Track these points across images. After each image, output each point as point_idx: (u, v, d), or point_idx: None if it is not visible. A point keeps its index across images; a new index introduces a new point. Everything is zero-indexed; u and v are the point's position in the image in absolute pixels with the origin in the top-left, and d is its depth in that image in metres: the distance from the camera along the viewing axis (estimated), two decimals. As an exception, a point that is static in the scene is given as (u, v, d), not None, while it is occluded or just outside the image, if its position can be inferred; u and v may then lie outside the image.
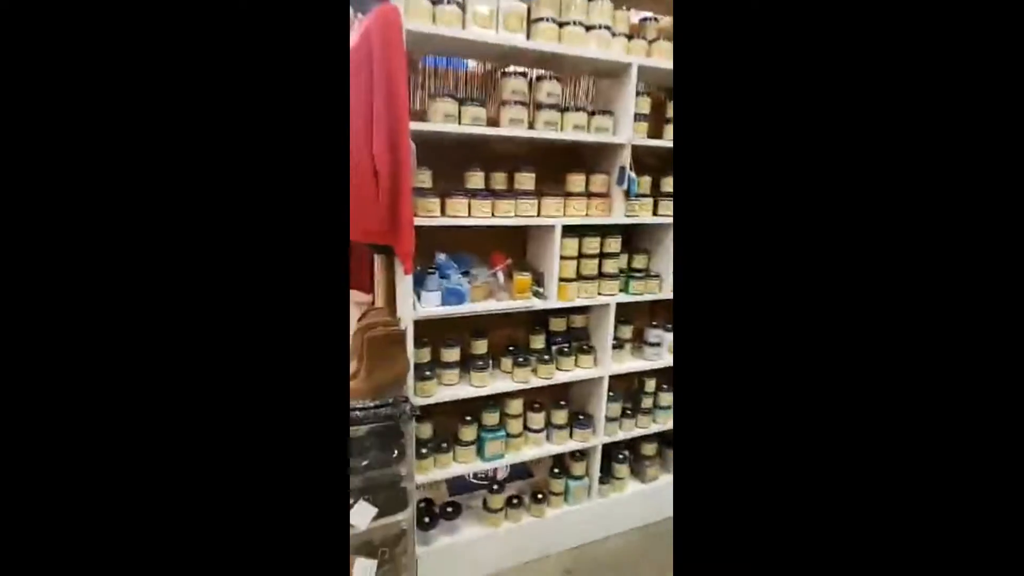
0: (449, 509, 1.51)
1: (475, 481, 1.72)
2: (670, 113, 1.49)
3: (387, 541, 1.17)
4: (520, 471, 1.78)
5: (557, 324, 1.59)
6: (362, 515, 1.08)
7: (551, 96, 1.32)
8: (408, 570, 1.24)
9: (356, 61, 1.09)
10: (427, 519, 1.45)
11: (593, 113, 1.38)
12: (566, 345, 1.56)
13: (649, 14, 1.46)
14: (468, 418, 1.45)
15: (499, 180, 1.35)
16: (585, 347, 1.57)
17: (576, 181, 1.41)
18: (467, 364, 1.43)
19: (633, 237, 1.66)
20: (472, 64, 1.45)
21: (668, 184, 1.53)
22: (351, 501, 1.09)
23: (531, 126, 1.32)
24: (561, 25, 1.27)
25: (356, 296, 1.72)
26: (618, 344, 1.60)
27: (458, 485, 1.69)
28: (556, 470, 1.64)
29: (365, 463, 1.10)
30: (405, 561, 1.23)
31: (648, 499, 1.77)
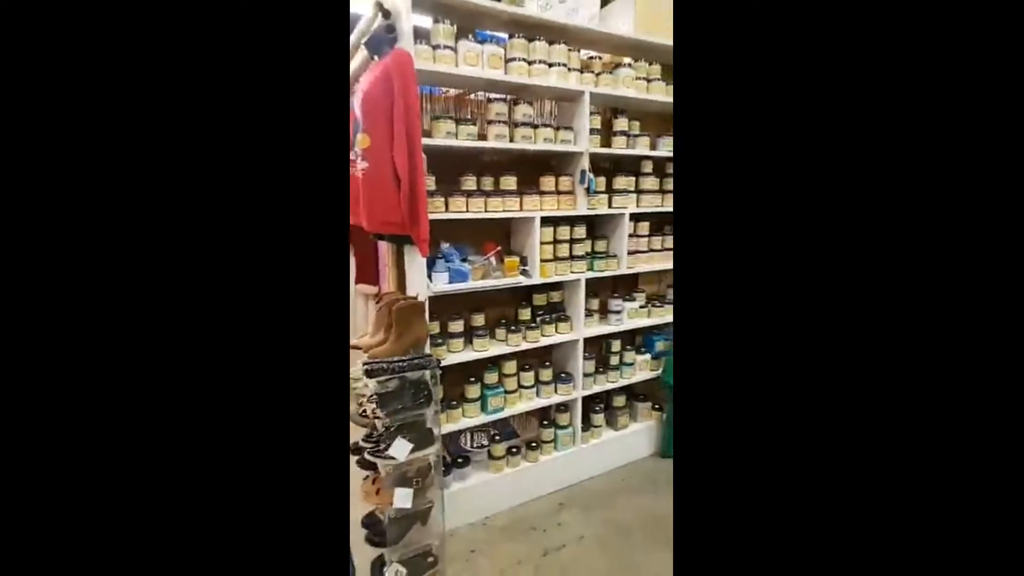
0: (460, 460, 1.79)
1: (470, 449, 1.99)
2: (616, 127, 1.91)
3: (419, 472, 1.43)
4: (508, 433, 2.07)
5: (539, 299, 1.93)
6: (400, 449, 1.36)
7: (526, 116, 1.69)
8: (436, 496, 1.51)
9: (378, 93, 1.40)
10: (442, 468, 1.72)
11: (559, 129, 1.77)
12: (548, 316, 1.91)
13: (595, 53, 1.89)
14: (472, 379, 1.75)
15: (488, 183, 1.69)
16: (563, 316, 1.92)
17: (548, 182, 1.78)
18: (469, 334, 1.74)
19: (595, 226, 2.05)
20: (461, 91, 1.80)
21: (618, 183, 1.94)
22: (390, 441, 1.36)
23: (511, 140, 1.68)
24: (530, 63, 1.65)
25: (364, 289, 1.99)
26: (588, 313, 1.97)
27: (456, 452, 1.96)
28: (545, 422, 1.96)
29: (400, 407, 1.38)
30: (432, 491, 1.50)
31: (620, 443, 2.12)
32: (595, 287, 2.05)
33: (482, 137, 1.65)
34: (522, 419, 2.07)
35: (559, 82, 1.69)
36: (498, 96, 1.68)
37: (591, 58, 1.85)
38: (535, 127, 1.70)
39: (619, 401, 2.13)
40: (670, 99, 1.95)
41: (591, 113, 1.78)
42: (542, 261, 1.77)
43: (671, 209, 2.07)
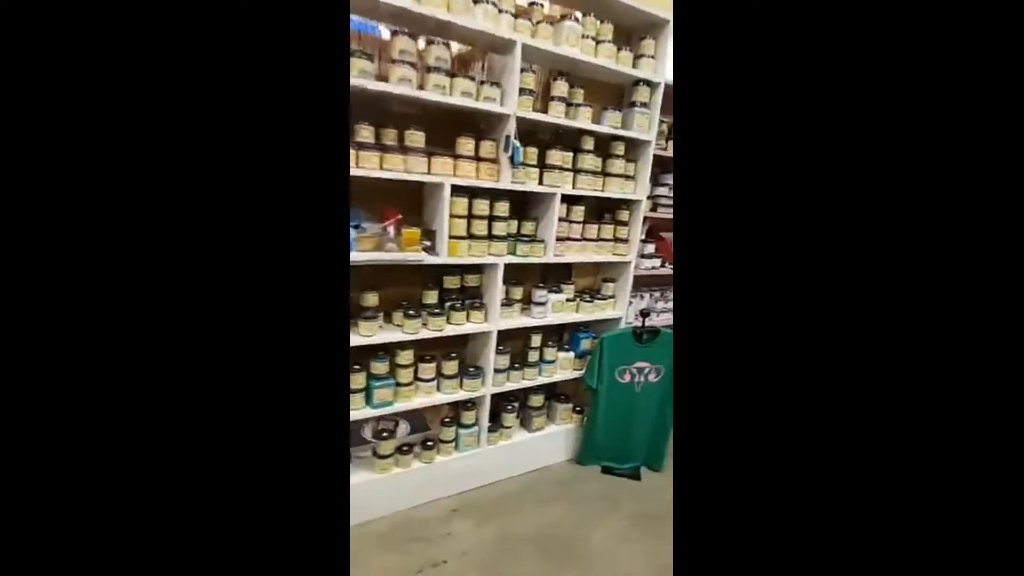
0: (338, 457, 1.56)
1: (371, 440, 1.77)
2: (556, 92, 1.66)
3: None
4: (418, 426, 1.86)
5: (451, 282, 1.69)
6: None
7: (439, 60, 1.41)
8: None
9: None
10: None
11: (483, 83, 1.50)
12: (458, 302, 1.67)
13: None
14: (357, 366, 1.51)
15: (390, 136, 1.41)
16: (477, 304, 1.69)
17: (466, 144, 1.52)
18: (356, 316, 1.49)
19: (526, 205, 1.81)
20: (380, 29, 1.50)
21: (552, 157, 1.70)
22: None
23: (421, 87, 1.40)
24: (450, -5, 1.36)
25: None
26: (507, 302, 1.75)
27: (353, 440, 1.73)
28: (447, 419, 1.74)
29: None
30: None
31: (533, 446, 1.94)
32: (520, 274, 1.83)
33: (382, 79, 1.37)
34: (435, 413, 1.85)
35: (486, 25, 1.42)
36: (406, 31, 1.39)
37: (532, 4, 1.58)
38: (452, 76, 1.43)
39: (536, 401, 1.94)
40: (621, 67, 1.71)
41: (523, 70, 1.52)
42: (452, 237, 1.53)
43: (612, 194, 1.85)
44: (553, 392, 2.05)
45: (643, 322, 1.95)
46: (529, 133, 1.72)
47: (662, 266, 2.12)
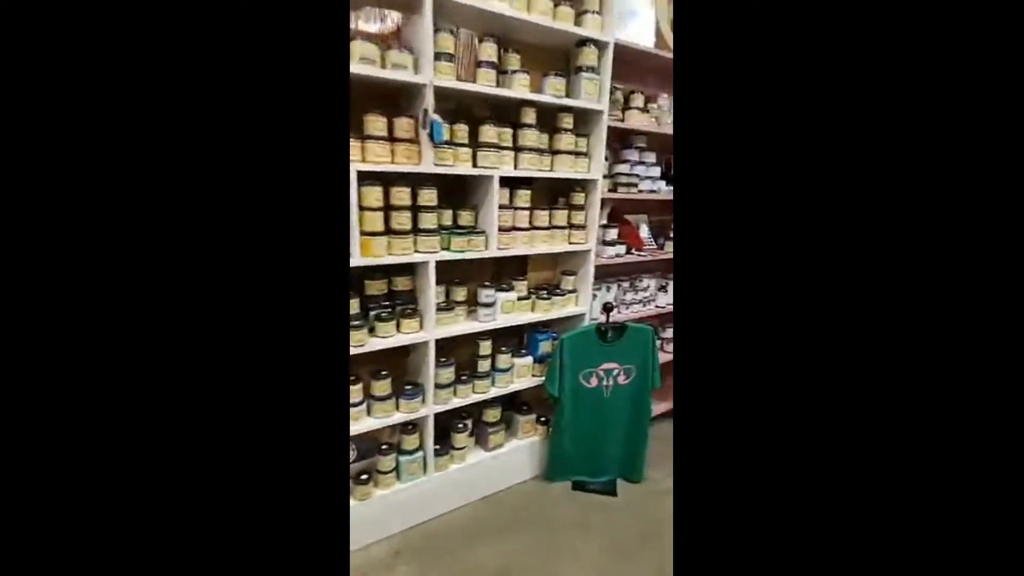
0: (248, 504, 1.31)
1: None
2: (484, 56, 1.41)
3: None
4: (367, 450, 1.60)
5: (375, 287, 1.44)
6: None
7: (328, 19, 1.15)
8: None
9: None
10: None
11: (389, 48, 1.25)
12: (387, 310, 1.43)
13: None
14: (259, 396, 1.26)
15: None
16: (409, 311, 1.45)
17: (375, 123, 1.27)
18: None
19: (462, 192, 1.57)
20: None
21: (487, 134, 1.45)
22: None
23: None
24: (334, -63, 1.11)
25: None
26: (448, 306, 1.51)
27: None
28: (384, 447, 1.50)
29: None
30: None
31: (492, 467, 1.71)
32: (464, 273, 1.59)
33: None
34: (387, 436, 1.60)
35: (384, -26, 1.17)
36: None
37: (444, -49, 1.33)
38: (348, 40, 1.18)
39: (492, 415, 1.71)
40: (559, 25, 1.47)
41: (440, 30, 1.28)
42: (364, 234, 1.28)
43: (562, 174, 1.62)
44: (513, 403, 1.82)
45: (607, 317, 1.72)
46: (463, 108, 1.48)
47: (628, 253, 1.89)
